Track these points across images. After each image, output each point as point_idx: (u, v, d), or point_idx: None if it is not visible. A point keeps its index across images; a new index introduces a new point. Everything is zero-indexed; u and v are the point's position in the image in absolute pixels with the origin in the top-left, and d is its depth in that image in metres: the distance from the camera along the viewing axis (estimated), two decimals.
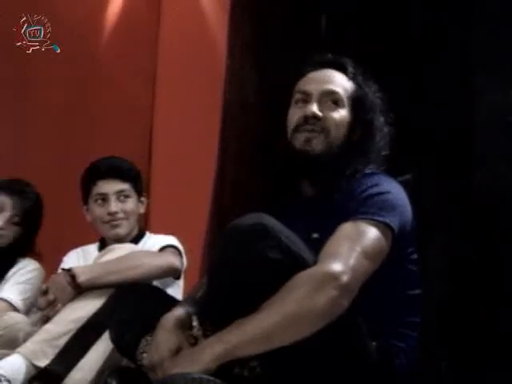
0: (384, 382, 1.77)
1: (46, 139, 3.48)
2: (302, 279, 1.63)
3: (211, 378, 1.57)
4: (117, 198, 2.63)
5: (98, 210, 2.65)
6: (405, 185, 1.89)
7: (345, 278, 1.63)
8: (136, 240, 2.69)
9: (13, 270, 2.76)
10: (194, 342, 1.75)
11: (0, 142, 3.43)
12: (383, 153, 1.95)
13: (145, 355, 1.82)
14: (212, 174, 3.12)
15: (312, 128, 1.90)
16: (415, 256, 1.89)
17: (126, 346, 1.95)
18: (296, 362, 1.66)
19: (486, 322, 2.46)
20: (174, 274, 2.49)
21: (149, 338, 1.85)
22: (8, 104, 3.44)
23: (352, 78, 1.96)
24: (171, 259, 2.47)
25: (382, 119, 1.96)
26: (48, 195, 3.40)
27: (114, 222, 2.63)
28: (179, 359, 1.67)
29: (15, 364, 2.17)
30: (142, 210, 2.74)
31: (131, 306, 1.97)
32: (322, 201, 1.90)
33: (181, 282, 2.60)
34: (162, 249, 2.57)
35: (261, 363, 1.67)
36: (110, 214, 2.62)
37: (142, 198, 2.74)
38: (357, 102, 1.94)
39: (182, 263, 2.56)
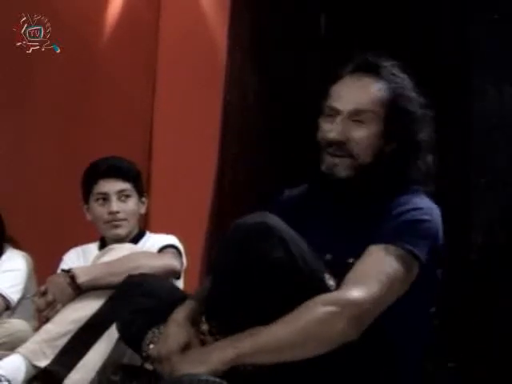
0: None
1: (45, 139, 3.49)
2: (325, 300, 1.62)
3: (217, 380, 1.57)
4: (118, 198, 2.63)
5: (98, 209, 2.65)
6: None
7: (364, 306, 1.62)
8: (136, 240, 2.69)
9: None
10: (203, 337, 1.76)
11: (0, 141, 3.43)
12: (428, 170, 1.82)
13: (151, 346, 1.81)
14: (212, 174, 3.12)
15: (337, 153, 1.80)
16: (439, 277, 1.85)
17: (132, 336, 1.93)
18: (299, 361, 1.65)
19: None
20: (173, 275, 2.49)
21: (156, 330, 1.85)
22: (8, 104, 3.44)
23: (388, 84, 1.82)
24: (170, 261, 2.47)
25: (422, 130, 1.83)
26: (48, 195, 3.41)
27: (115, 223, 2.63)
28: (188, 357, 1.66)
29: (15, 364, 2.18)
30: (142, 210, 2.74)
31: (139, 297, 1.96)
32: (345, 220, 1.84)
33: (181, 282, 2.60)
34: (162, 249, 2.57)
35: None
36: (110, 213, 2.62)
37: (143, 199, 2.74)
38: (392, 113, 1.80)
39: (182, 263, 2.56)
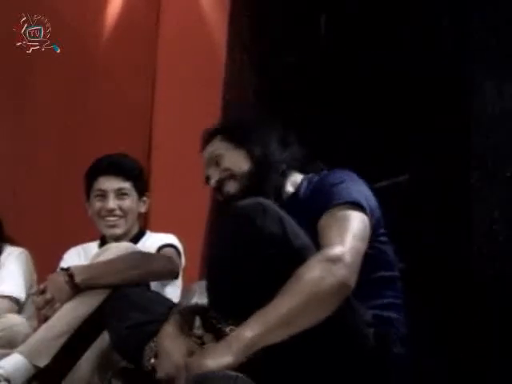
0: (374, 369, 1.80)
1: (46, 139, 3.49)
2: (311, 264, 1.70)
3: (235, 374, 1.59)
4: (116, 196, 2.65)
5: (96, 205, 2.67)
6: (400, 186, 1.90)
7: (348, 258, 1.73)
8: (136, 239, 2.70)
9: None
10: (201, 341, 1.78)
11: (0, 141, 3.44)
12: (297, 154, 2.14)
13: (152, 361, 1.84)
14: None
15: (223, 183, 2.13)
16: (386, 238, 1.98)
17: (129, 352, 1.98)
18: (297, 349, 1.69)
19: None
20: (171, 275, 2.49)
21: (152, 344, 1.86)
22: (8, 104, 3.45)
23: (224, 131, 2.23)
24: (169, 261, 2.47)
25: (263, 136, 2.15)
26: (48, 194, 3.41)
27: (111, 222, 2.64)
28: (207, 353, 1.68)
29: (14, 364, 2.18)
30: (143, 209, 2.76)
31: (129, 312, 1.97)
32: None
33: (179, 282, 2.60)
34: (161, 248, 2.57)
35: (262, 349, 1.68)
36: (107, 210, 2.63)
37: (144, 198, 2.75)
38: (235, 140, 2.16)
39: (181, 263, 2.56)
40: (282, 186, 2.09)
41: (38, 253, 2.95)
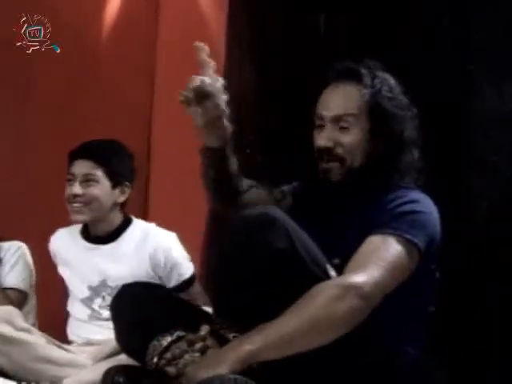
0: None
1: (45, 139, 3.49)
2: (325, 287, 1.66)
3: (244, 379, 1.58)
4: (82, 181, 2.57)
5: (66, 189, 2.61)
6: None
7: (366, 289, 1.67)
8: (121, 229, 2.63)
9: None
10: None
11: (0, 141, 3.44)
12: (417, 165, 1.93)
13: (155, 360, 1.81)
14: None
15: (327, 158, 1.90)
16: (437, 274, 1.91)
17: (133, 348, 1.95)
18: (298, 359, 1.67)
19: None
20: None
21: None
22: (8, 104, 3.45)
23: (370, 89, 1.89)
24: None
25: (409, 126, 1.91)
26: (47, 194, 3.41)
27: (74, 208, 2.57)
28: (203, 362, 1.68)
29: None
30: (120, 199, 2.64)
31: (131, 310, 1.95)
32: (347, 222, 1.88)
33: None
34: (183, 286, 2.55)
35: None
36: (71, 195, 2.57)
37: (125, 188, 2.64)
38: (375, 115, 1.88)
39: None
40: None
41: (37, 252, 2.96)
